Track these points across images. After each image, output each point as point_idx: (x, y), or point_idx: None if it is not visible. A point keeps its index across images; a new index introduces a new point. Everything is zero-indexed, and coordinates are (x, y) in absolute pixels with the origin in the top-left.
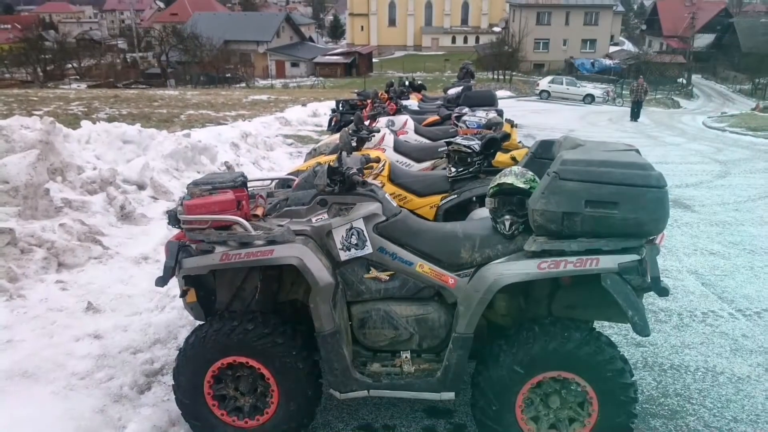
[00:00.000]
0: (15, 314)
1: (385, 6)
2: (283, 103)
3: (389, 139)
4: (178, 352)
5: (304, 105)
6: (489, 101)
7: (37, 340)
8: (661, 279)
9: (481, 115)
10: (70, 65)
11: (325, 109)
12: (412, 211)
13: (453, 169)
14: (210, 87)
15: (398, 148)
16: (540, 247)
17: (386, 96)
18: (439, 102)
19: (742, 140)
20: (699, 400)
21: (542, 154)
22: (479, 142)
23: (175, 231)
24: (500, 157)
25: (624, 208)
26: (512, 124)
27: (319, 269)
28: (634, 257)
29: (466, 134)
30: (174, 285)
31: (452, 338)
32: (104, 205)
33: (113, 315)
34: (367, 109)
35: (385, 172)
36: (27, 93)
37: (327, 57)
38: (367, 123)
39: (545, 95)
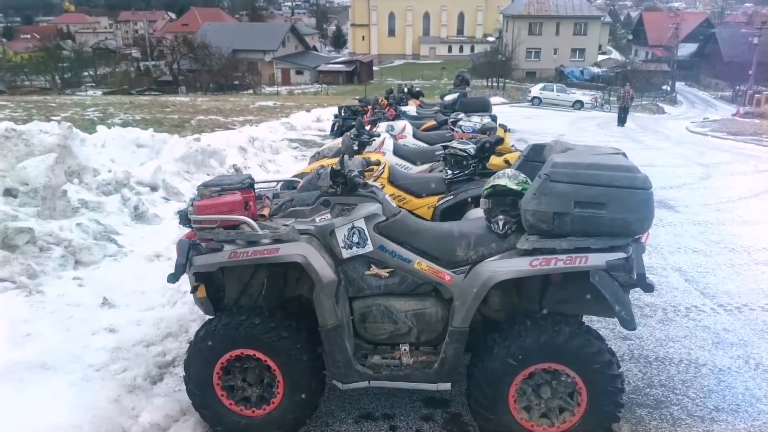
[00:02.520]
0: (34, 309)
1: (386, 17)
2: (289, 109)
3: (389, 143)
4: (188, 345)
5: (308, 111)
6: (483, 107)
7: (55, 333)
8: (647, 276)
9: (476, 121)
10: (86, 73)
11: (328, 114)
12: (410, 212)
13: (449, 172)
14: (219, 94)
15: (397, 152)
16: (532, 245)
17: (386, 102)
18: (436, 108)
19: (723, 144)
20: (682, 390)
21: (534, 158)
22: (474, 146)
23: (186, 230)
24: (494, 160)
25: (611, 208)
26: (505, 129)
27: (322, 266)
28: (621, 255)
29: (462, 138)
30: (185, 281)
31: (449, 332)
32: (119, 206)
33: (127, 310)
34: (368, 114)
35: (385, 175)
36: (45, 99)
37: (330, 65)
38: (367, 128)
39: (537, 102)
